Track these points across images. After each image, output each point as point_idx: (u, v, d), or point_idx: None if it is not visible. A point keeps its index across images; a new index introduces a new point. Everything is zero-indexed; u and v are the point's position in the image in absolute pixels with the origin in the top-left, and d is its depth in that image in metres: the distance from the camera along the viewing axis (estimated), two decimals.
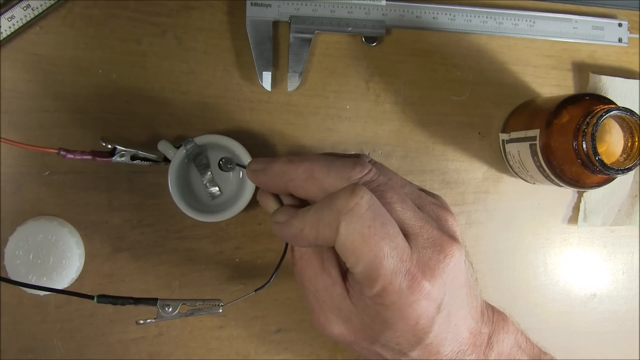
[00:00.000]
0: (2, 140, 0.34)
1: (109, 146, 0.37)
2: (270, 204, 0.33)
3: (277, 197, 0.34)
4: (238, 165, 0.39)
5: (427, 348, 0.29)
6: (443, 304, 0.28)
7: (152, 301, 0.32)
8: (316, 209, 0.29)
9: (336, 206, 0.27)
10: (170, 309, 0.32)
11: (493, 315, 0.33)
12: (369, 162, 0.31)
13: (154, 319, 0.32)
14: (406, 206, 0.30)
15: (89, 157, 0.36)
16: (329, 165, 0.30)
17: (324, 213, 0.28)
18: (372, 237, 0.27)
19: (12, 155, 0.38)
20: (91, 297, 0.31)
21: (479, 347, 0.31)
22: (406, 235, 0.29)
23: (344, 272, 0.31)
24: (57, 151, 0.36)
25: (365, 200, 0.27)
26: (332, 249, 0.31)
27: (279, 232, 0.31)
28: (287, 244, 0.33)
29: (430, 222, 0.30)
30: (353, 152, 0.34)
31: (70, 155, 0.36)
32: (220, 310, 0.34)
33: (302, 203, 0.33)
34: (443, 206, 0.32)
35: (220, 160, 0.39)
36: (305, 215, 0.29)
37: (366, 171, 0.30)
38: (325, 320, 0.31)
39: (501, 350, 0.32)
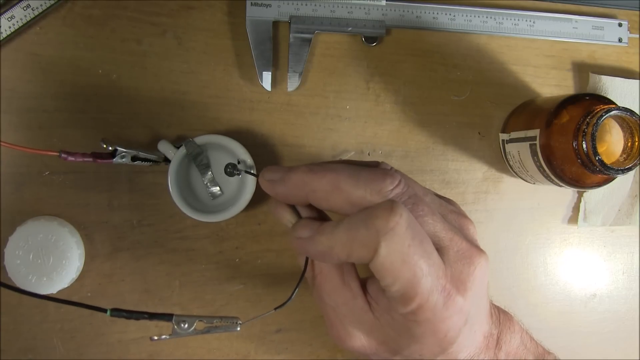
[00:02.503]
0: (2, 143, 0.34)
1: (110, 148, 0.37)
2: (287, 217, 0.31)
3: (293, 208, 0.31)
4: (246, 172, 0.38)
5: (448, 356, 0.29)
6: (470, 315, 0.28)
7: (167, 317, 0.31)
8: (349, 226, 0.27)
9: (375, 226, 0.26)
10: (186, 325, 0.31)
11: (499, 316, 0.33)
12: (394, 170, 0.30)
13: (169, 335, 0.31)
14: (436, 218, 0.29)
15: (90, 159, 0.36)
16: (356, 176, 0.28)
17: (359, 232, 0.27)
18: (411, 256, 0.26)
19: (12, 155, 0.38)
20: (104, 311, 0.30)
21: (490, 349, 0.31)
22: (438, 248, 0.28)
23: (364, 285, 0.30)
24: (57, 153, 0.36)
25: (404, 218, 0.26)
26: (351, 263, 0.30)
27: (302, 249, 0.30)
28: (307, 259, 0.31)
29: (457, 232, 0.30)
30: (372, 161, 0.32)
31: (71, 158, 0.36)
32: (239, 329, 0.32)
33: (321, 214, 0.32)
34: (462, 214, 0.32)
35: (227, 166, 0.38)
36: (335, 232, 0.28)
37: (396, 183, 0.28)
38: (345, 334, 0.30)
39: (509, 350, 0.32)
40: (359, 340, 0.30)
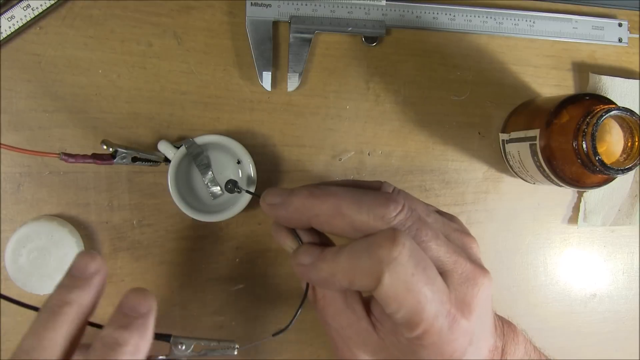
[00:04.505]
0: (2, 146, 0.34)
1: (110, 149, 0.37)
2: (288, 243, 0.31)
3: (294, 232, 0.31)
4: (247, 192, 0.37)
5: None
6: (475, 335, 0.29)
7: (165, 337, 0.31)
8: (351, 254, 0.27)
9: (378, 256, 0.26)
10: (184, 347, 0.31)
11: (503, 327, 0.33)
12: (397, 193, 0.30)
13: (166, 355, 0.31)
14: (440, 242, 0.29)
15: (91, 160, 0.36)
16: (359, 201, 0.28)
17: (361, 260, 0.27)
18: (415, 284, 0.26)
19: (12, 155, 0.38)
20: (99, 326, 0.29)
21: None
22: (442, 273, 0.28)
23: (367, 304, 0.30)
24: (58, 155, 0.36)
25: (407, 247, 0.26)
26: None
27: (304, 275, 0.30)
28: (308, 284, 0.31)
29: (461, 253, 0.30)
30: (375, 181, 0.32)
31: (71, 160, 0.36)
32: (235, 353, 0.32)
33: (323, 238, 0.31)
34: (465, 232, 0.32)
35: (227, 183, 0.37)
36: (337, 260, 0.28)
37: (400, 208, 0.28)
38: (351, 356, 0.30)
39: None
40: None
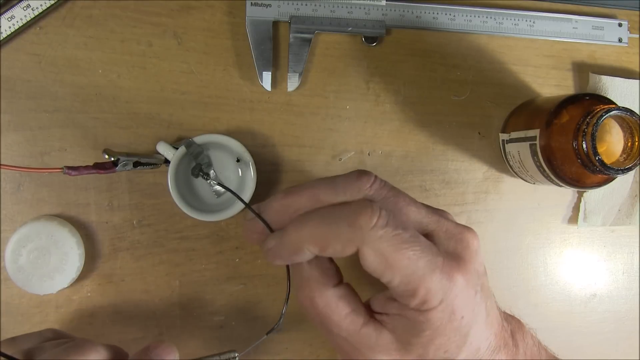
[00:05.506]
0: (2, 166, 0.35)
1: (112, 158, 0.37)
2: (260, 237, 0.31)
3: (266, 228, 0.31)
4: (250, 208, 0.35)
5: (470, 348, 0.29)
6: (477, 292, 0.29)
7: None
8: (323, 221, 0.28)
9: (358, 223, 0.27)
10: None
11: (506, 316, 0.33)
12: (367, 171, 0.30)
13: None
14: (419, 205, 0.30)
15: (94, 171, 0.37)
16: (333, 185, 0.29)
17: (339, 227, 0.27)
18: (401, 244, 0.27)
19: (12, 155, 0.38)
20: None
21: (508, 346, 0.31)
22: (427, 234, 0.29)
23: (368, 308, 0.31)
24: (61, 170, 0.36)
25: (384, 212, 0.27)
26: (350, 290, 0.30)
27: (275, 255, 0.30)
28: (289, 275, 0.32)
29: (442, 214, 0.30)
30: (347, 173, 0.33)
31: (74, 172, 0.36)
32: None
33: None
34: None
35: (194, 169, 0.38)
36: (306, 225, 0.28)
37: (372, 179, 0.29)
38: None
39: (525, 350, 0.32)
40: None
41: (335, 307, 0.30)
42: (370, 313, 0.30)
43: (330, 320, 0.30)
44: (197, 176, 0.38)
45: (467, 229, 0.30)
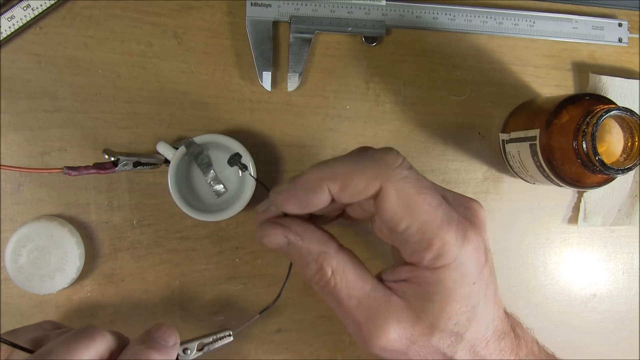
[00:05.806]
0: (2, 167, 0.35)
1: (112, 158, 0.37)
2: (278, 232, 0.30)
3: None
4: (254, 178, 0.37)
5: (479, 324, 0.29)
6: (487, 262, 0.29)
7: None
8: (349, 160, 0.28)
9: (385, 161, 0.27)
10: (189, 352, 0.32)
11: (507, 314, 0.33)
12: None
13: None
14: (428, 180, 0.30)
15: (94, 171, 0.37)
16: (360, 165, 0.28)
17: (365, 166, 0.27)
18: (423, 188, 0.27)
19: (12, 155, 0.38)
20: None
21: (510, 336, 0.31)
22: None
23: (379, 278, 0.30)
24: (61, 170, 0.36)
25: (407, 161, 0.28)
26: (354, 255, 0.30)
27: (285, 198, 0.29)
28: (290, 268, 0.32)
29: (448, 189, 0.31)
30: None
31: (74, 173, 0.36)
32: (232, 339, 0.34)
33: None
34: None
35: (231, 158, 0.38)
36: (329, 165, 0.28)
37: (401, 159, 0.29)
38: (375, 330, 0.29)
39: (526, 344, 0.32)
40: (393, 332, 0.29)
41: (343, 272, 0.29)
42: (379, 280, 0.30)
43: (339, 288, 0.29)
44: (232, 165, 0.39)
45: (472, 199, 0.30)
